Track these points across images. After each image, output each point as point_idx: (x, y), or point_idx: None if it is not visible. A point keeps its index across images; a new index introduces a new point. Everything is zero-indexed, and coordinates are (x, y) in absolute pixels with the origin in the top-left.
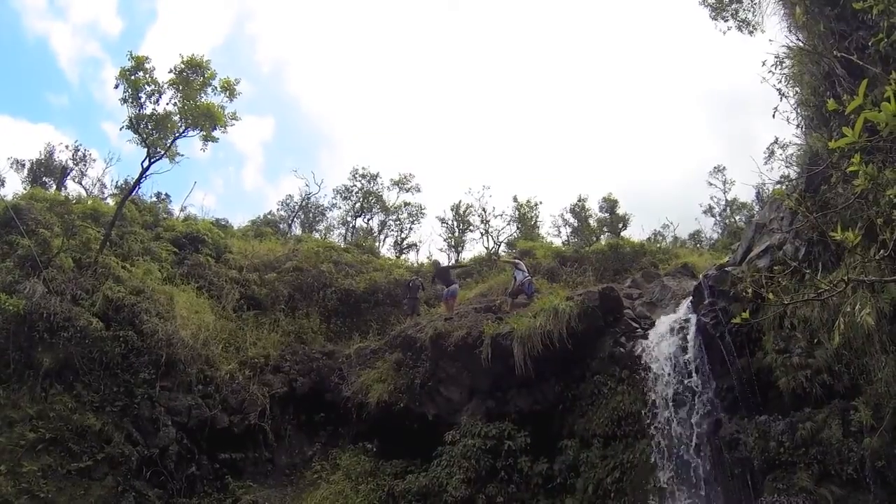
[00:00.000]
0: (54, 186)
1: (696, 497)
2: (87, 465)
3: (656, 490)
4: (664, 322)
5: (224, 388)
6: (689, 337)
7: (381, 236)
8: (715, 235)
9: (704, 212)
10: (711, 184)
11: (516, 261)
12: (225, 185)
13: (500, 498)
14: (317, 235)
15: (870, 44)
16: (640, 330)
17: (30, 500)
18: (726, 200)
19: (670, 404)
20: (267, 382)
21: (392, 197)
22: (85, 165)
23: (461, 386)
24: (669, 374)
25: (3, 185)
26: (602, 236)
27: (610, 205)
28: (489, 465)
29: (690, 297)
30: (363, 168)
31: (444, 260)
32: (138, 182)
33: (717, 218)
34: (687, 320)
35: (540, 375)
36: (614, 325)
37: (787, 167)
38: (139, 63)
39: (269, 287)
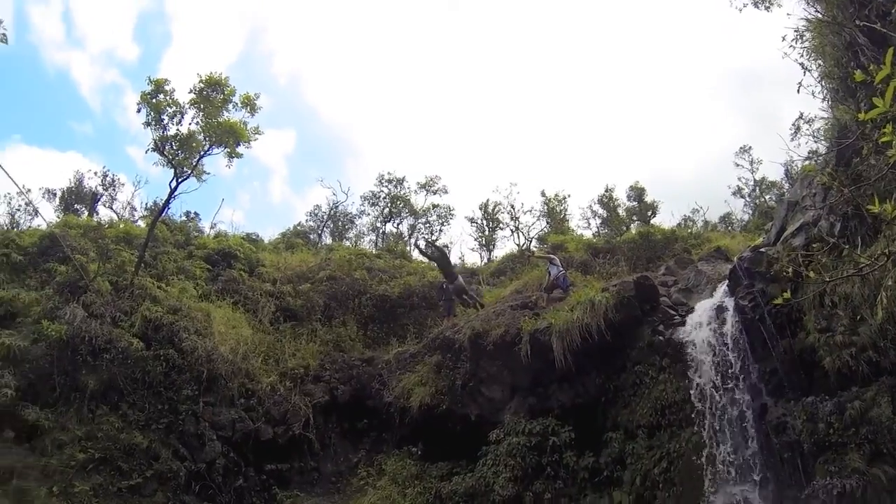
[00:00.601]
0: (86, 213)
1: (745, 484)
2: (137, 483)
3: (705, 479)
4: (702, 308)
5: (266, 401)
6: (728, 321)
7: (412, 240)
8: (746, 217)
9: (733, 193)
10: (738, 164)
11: (550, 256)
12: (252, 199)
13: (548, 494)
14: (347, 243)
15: (892, 11)
16: (677, 317)
17: None
18: (755, 180)
19: (713, 391)
20: (308, 392)
21: (420, 200)
22: (114, 190)
23: (502, 384)
24: (711, 361)
25: (37, 214)
26: (632, 225)
27: (637, 193)
28: (535, 461)
29: (726, 281)
30: (389, 173)
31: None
32: (167, 203)
33: (747, 199)
34: (725, 305)
35: (580, 369)
36: (651, 314)
37: (815, 142)
38: (159, 86)
39: (303, 298)
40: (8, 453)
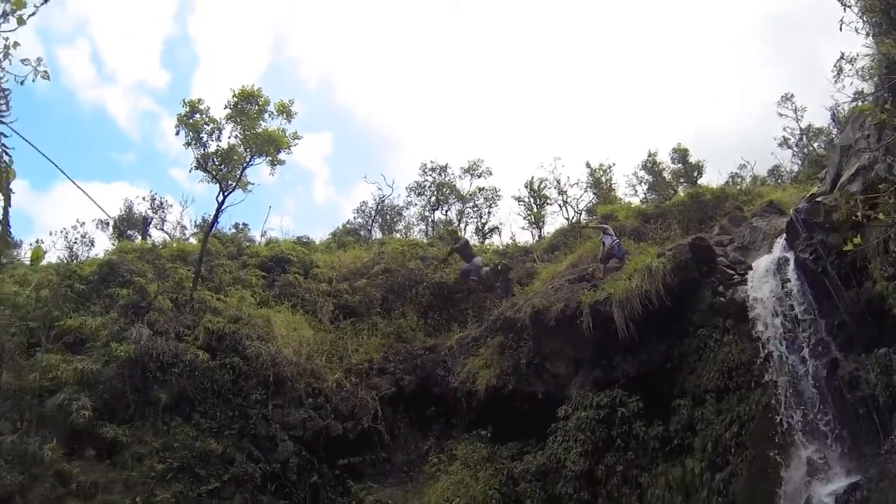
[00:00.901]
0: (139, 237)
1: (819, 443)
2: (215, 487)
3: (777, 441)
4: (761, 265)
5: (333, 398)
6: (789, 276)
7: (462, 225)
8: (795, 168)
9: (780, 145)
10: (782, 114)
11: (602, 226)
12: (297, 204)
13: (620, 467)
14: (398, 236)
15: None
16: (736, 276)
17: None
18: (800, 129)
19: (780, 349)
20: (374, 386)
21: (465, 185)
22: (163, 212)
23: (566, 359)
24: (775, 318)
25: (93, 245)
26: (679, 188)
27: (681, 155)
28: (604, 434)
29: (784, 235)
30: (431, 161)
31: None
32: (216, 217)
33: (795, 149)
34: (785, 259)
35: (643, 337)
36: (709, 276)
37: (862, 80)
38: (193, 107)
39: (361, 293)
40: (91, 470)
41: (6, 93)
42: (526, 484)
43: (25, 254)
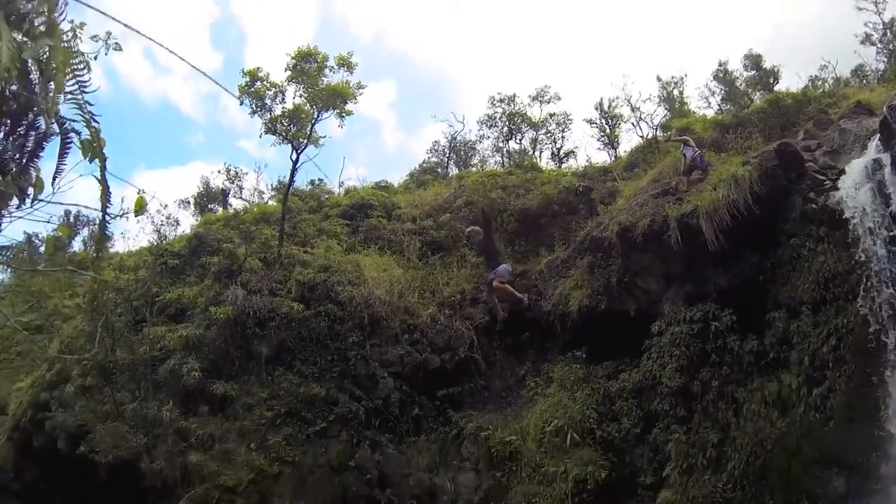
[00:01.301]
0: (220, 209)
1: None
2: (321, 428)
3: (878, 354)
4: (854, 168)
5: (429, 332)
6: (885, 178)
7: (537, 152)
8: (881, 65)
9: (862, 42)
10: (861, 8)
11: (683, 137)
12: (368, 153)
13: (715, 382)
14: (474, 169)
15: None
16: (828, 182)
17: (281, 465)
18: (883, 23)
19: (880, 257)
20: (468, 316)
21: (535, 112)
22: (239, 181)
23: (656, 275)
24: (872, 224)
25: (178, 224)
26: (755, 96)
27: (754, 61)
28: (699, 349)
29: (877, 136)
30: (499, 93)
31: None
32: (293, 174)
33: (879, 45)
34: (879, 161)
35: (733, 249)
36: (799, 182)
37: None
38: (253, 75)
39: (446, 228)
40: (206, 424)
41: (87, 59)
42: (622, 402)
43: (115, 246)
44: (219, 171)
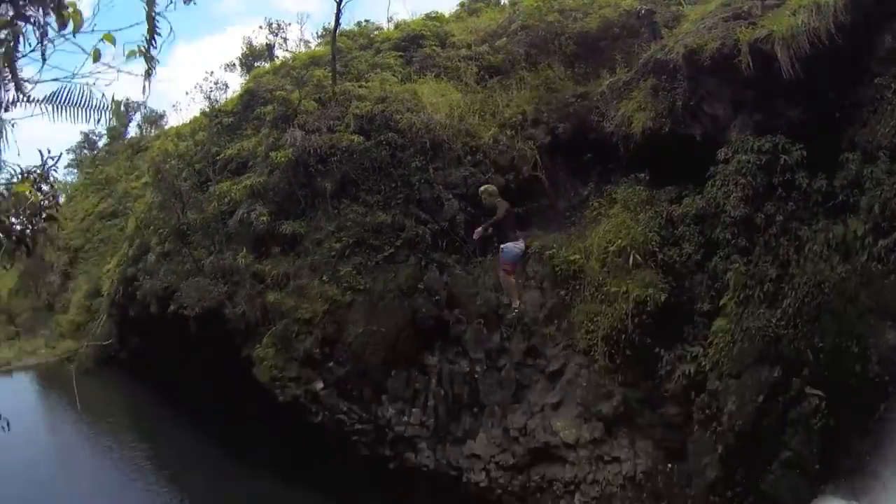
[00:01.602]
0: (268, 63)
1: None
2: (390, 253)
3: None
4: None
5: (491, 152)
6: None
7: None
8: None
9: None
10: None
11: None
12: None
13: (779, 217)
14: None
15: None
16: None
17: (353, 294)
18: None
19: None
20: (530, 136)
21: None
22: (283, 32)
23: (724, 101)
24: None
25: (227, 87)
26: None
27: None
28: (765, 181)
29: None
30: None
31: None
32: (338, 14)
33: None
34: None
35: (810, 80)
36: (892, 19)
37: None
38: None
39: (503, 52)
40: (279, 264)
41: None
42: (685, 227)
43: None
44: (260, 27)
